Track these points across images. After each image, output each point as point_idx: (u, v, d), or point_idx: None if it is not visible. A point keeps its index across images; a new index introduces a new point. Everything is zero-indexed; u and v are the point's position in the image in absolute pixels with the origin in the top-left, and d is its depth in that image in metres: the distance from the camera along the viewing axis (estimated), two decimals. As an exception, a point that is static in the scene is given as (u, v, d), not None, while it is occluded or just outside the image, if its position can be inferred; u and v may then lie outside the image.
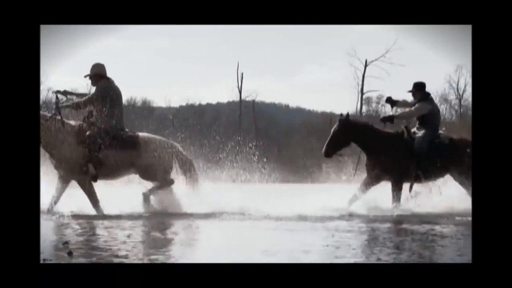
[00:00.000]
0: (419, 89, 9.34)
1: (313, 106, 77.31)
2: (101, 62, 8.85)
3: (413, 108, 9.26)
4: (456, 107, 47.44)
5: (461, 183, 9.06)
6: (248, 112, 51.00)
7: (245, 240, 5.61)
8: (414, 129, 9.32)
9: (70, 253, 4.14)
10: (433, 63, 72.42)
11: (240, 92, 49.51)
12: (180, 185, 8.73)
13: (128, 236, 5.33)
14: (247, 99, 50.60)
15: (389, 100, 9.51)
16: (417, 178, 8.96)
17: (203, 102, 58.36)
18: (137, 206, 8.26)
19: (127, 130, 8.59)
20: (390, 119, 9.29)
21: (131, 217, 7.50)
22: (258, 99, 53.21)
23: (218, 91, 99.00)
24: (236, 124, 47.60)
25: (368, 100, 47.84)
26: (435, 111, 9.39)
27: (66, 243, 4.63)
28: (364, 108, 47.49)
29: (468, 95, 45.17)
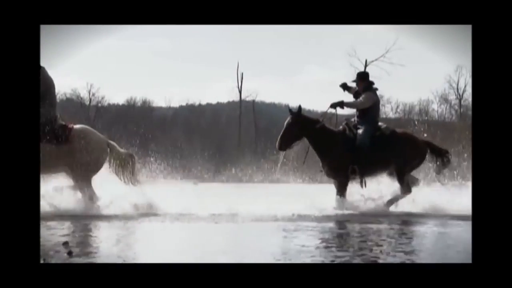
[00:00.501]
0: (362, 78, 9.20)
1: (313, 106, 77.19)
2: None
3: (361, 98, 9.07)
4: (456, 107, 47.45)
5: (399, 178, 8.94)
6: (248, 112, 51.03)
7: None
8: (353, 119, 9.21)
9: (70, 253, 4.15)
10: (433, 63, 72.55)
11: (240, 92, 49.56)
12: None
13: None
14: (247, 99, 50.67)
15: (343, 86, 9.40)
16: (353, 172, 8.85)
17: (203, 102, 58.42)
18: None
19: (62, 122, 8.10)
20: (340, 104, 9.05)
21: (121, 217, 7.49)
22: (258, 99, 53.32)
23: (218, 91, 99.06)
24: (236, 124, 47.63)
25: (368, 100, 47.77)
26: (377, 102, 9.24)
27: (66, 243, 4.64)
28: (364, 108, 47.44)
29: (468, 95, 45.22)
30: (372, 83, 9.21)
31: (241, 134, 46.96)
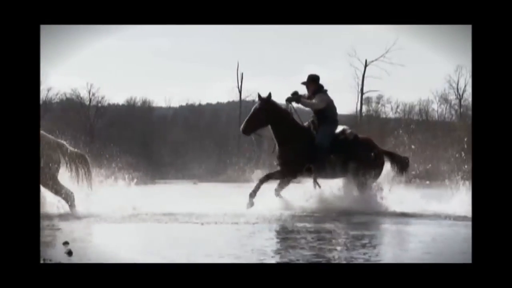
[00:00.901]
0: (313, 81, 9.07)
1: (313, 106, 77.06)
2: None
3: (314, 100, 8.96)
4: (456, 107, 47.41)
5: (358, 184, 8.85)
6: (248, 112, 50.96)
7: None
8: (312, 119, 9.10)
9: (69, 253, 4.15)
10: (433, 63, 72.33)
11: (240, 92, 49.51)
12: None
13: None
14: (247, 99, 50.58)
15: (290, 99, 9.02)
16: (308, 171, 8.76)
17: (203, 102, 58.37)
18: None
19: None
20: (296, 99, 8.94)
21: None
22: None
23: (218, 91, 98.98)
24: (236, 124, 47.59)
25: (368, 100, 47.79)
26: (332, 104, 9.06)
27: (66, 243, 4.64)
28: (364, 108, 47.48)
29: (468, 95, 45.15)
30: (322, 86, 9.09)
31: (241, 134, 46.90)
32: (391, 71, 72.12)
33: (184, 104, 57.34)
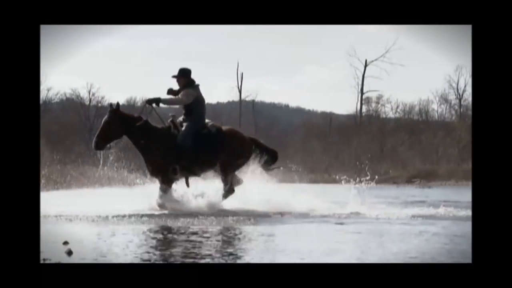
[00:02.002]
0: (183, 75, 8.83)
1: (313, 106, 77.35)
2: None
3: (180, 95, 8.77)
4: (456, 107, 47.38)
5: (223, 177, 8.72)
6: (248, 112, 50.98)
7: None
8: (180, 118, 8.89)
9: (70, 253, 4.15)
10: (433, 63, 72.41)
11: (240, 92, 49.51)
12: None
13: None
14: (247, 99, 50.59)
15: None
16: (174, 172, 8.57)
17: (203, 102, 58.30)
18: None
19: None
20: (156, 101, 8.73)
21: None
22: (258, 99, 53.21)
23: (218, 91, 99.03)
24: (236, 124, 47.61)
25: (368, 100, 47.75)
26: (200, 99, 8.83)
27: (66, 242, 4.64)
28: (364, 108, 47.47)
29: (468, 95, 45.09)
30: (193, 81, 8.83)
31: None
32: (391, 71, 72.06)
33: (184, 104, 57.33)
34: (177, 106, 9.13)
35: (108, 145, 8.60)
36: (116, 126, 8.55)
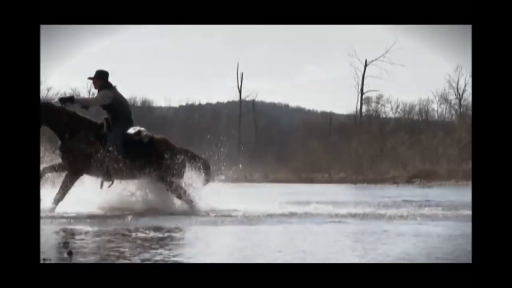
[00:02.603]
0: (99, 77, 8.72)
1: (313, 106, 77.16)
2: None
3: (95, 95, 8.70)
4: (456, 107, 47.41)
5: (161, 188, 8.73)
6: (248, 112, 51.00)
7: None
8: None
9: (70, 253, 4.15)
10: (433, 63, 72.38)
11: (240, 92, 49.55)
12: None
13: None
14: (247, 99, 50.63)
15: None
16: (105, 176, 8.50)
17: (203, 102, 58.35)
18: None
19: None
20: (69, 99, 8.60)
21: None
22: (258, 99, 53.23)
23: (218, 91, 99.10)
24: (236, 124, 47.61)
25: (368, 100, 47.79)
26: (120, 100, 8.76)
27: (66, 243, 4.64)
28: (364, 108, 47.51)
29: (468, 95, 45.14)
30: (110, 84, 8.74)
31: (241, 134, 46.95)
32: (391, 71, 71.98)
33: (184, 104, 57.36)
34: (94, 107, 9.02)
35: None
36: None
